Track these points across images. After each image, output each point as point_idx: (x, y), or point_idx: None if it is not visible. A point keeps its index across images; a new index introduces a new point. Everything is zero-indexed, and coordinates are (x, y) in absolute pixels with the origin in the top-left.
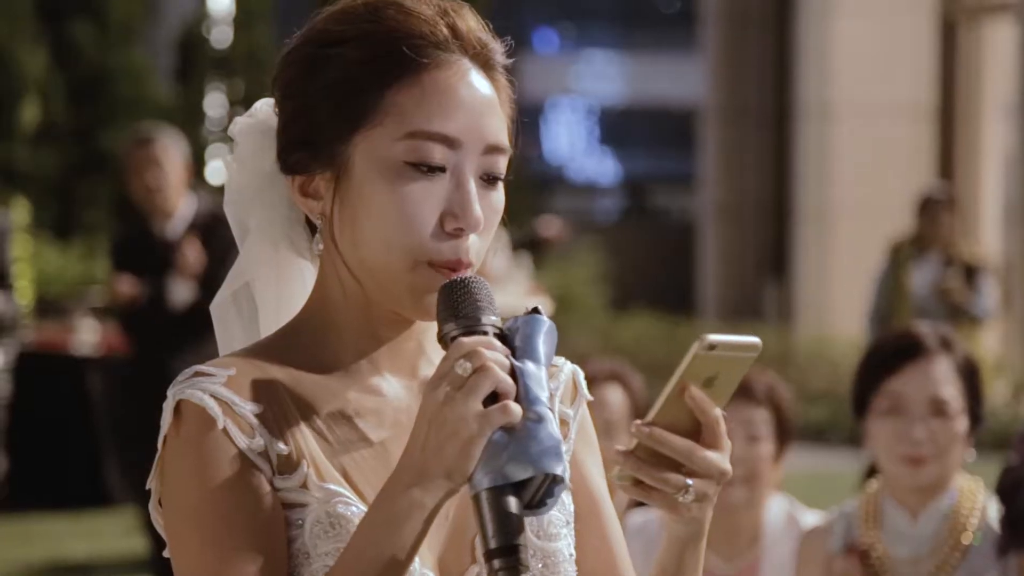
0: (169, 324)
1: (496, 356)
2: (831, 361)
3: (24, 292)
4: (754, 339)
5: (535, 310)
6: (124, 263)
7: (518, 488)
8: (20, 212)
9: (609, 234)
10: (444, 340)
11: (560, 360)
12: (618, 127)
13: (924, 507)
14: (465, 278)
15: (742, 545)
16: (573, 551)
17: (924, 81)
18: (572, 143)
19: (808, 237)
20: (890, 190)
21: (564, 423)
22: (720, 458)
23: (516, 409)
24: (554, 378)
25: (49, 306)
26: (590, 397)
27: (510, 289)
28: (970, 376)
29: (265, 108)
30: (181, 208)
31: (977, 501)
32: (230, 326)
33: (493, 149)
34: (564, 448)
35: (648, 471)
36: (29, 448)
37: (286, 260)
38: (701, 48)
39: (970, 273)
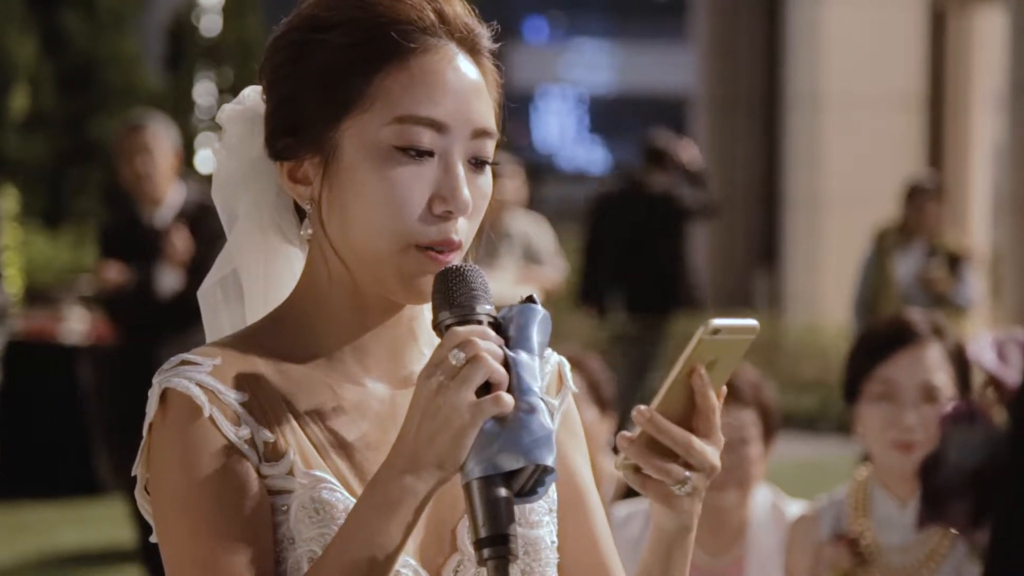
0: (156, 312)
1: (489, 346)
2: (821, 350)
3: (13, 281)
4: (752, 322)
5: (530, 299)
6: (112, 250)
7: (509, 477)
8: (9, 200)
9: None
10: (439, 328)
11: (547, 351)
12: (608, 116)
13: (913, 494)
14: (460, 266)
15: (728, 539)
16: (555, 539)
17: (914, 70)
18: (562, 132)
19: (798, 226)
20: (880, 179)
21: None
22: (713, 452)
23: (508, 400)
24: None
25: (38, 295)
26: (575, 389)
27: (499, 276)
28: (961, 363)
29: (253, 95)
30: (170, 196)
31: None
32: (217, 312)
33: (481, 133)
34: None
35: (650, 460)
36: (19, 437)
37: (274, 247)
38: (691, 37)
39: (954, 262)
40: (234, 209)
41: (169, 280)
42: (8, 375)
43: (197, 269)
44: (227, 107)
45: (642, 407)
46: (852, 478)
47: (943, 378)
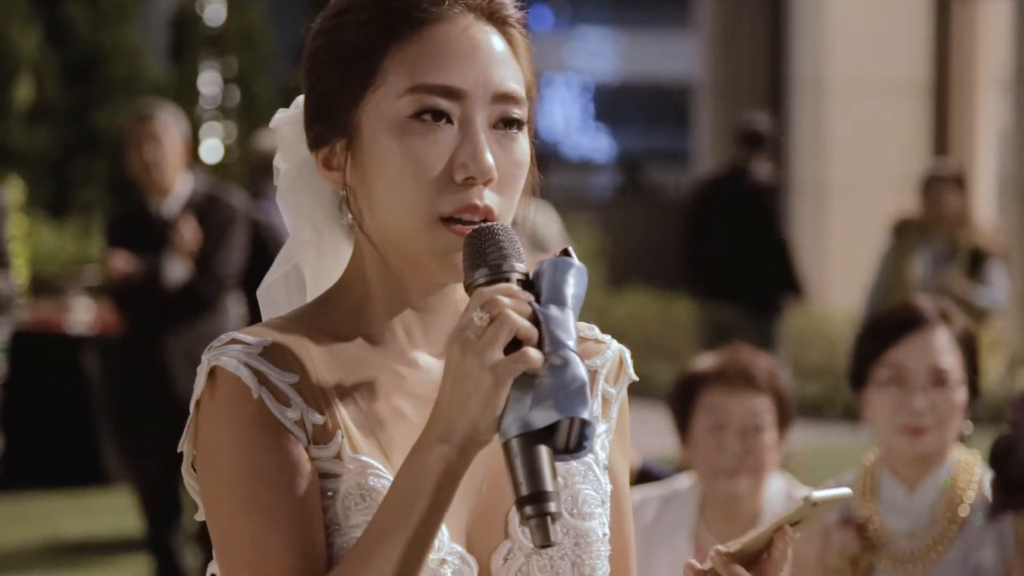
0: (163, 302)
1: (515, 303)
2: (827, 337)
3: (19, 271)
4: (847, 492)
5: (565, 252)
6: (119, 240)
7: (548, 434)
8: (14, 191)
9: (604, 211)
10: (469, 289)
11: (607, 337)
12: (613, 104)
13: (921, 480)
14: (489, 225)
15: (741, 527)
16: (607, 531)
17: (919, 57)
18: (567, 120)
19: (803, 214)
20: (885, 167)
21: (607, 402)
22: None
23: (535, 355)
24: (600, 355)
25: (44, 285)
26: (635, 377)
27: None
28: (969, 347)
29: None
30: (178, 186)
31: (974, 474)
32: (278, 311)
33: (502, 97)
34: (604, 427)
35: None
36: (24, 427)
37: (327, 241)
38: (695, 25)
39: (977, 259)
40: (294, 210)
41: (176, 270)
42: (13, 365)
43: (204, 260)
44: (281, 111)
45: (721, 548)
46: (860, 463)
47: (951, 362)
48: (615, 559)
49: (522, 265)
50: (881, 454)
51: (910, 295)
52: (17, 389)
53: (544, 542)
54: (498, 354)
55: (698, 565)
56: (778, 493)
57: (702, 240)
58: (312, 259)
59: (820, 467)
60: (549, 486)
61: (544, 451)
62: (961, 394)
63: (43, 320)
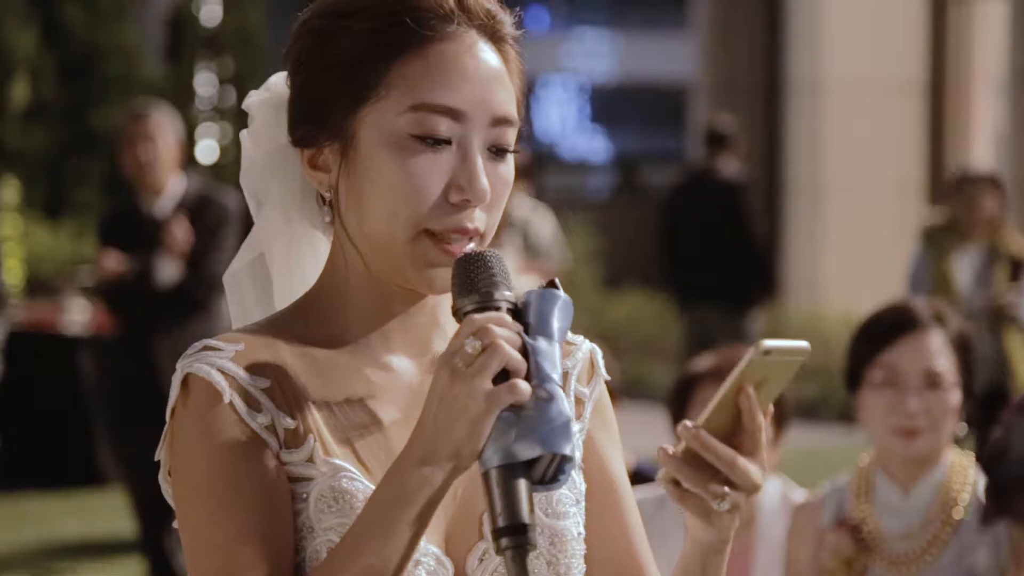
0: (154, 302)
1: (507, 333)
2: (823, 338)
3: (14, 271)
4: (803, 344)
5: (551, 284)
6: (111, 239)
7: (528, 466)
8: (10, 191)
9: (600, 212)
10: (458, 314)
11: (578, 338)
12: (609, 105)
13: (915, 481)
14: (481, 252)
15: (738, 529)
16: (582, 530)
17: (915, 57)
18: (563, 121)
19: (800, 213)
20: (882, 167)
21: (580, 402)
22: (757, 471)
23: (524, 388)
24: (571, 356)
25: (39, 285)
26: (607, 377)
27: None
28: (963, 350)
29: (279, 82)
30: (171, 186)
31: (968, 476)
32: (243, 297)
33: (500, 121)
34: (578, 427)
35: (690, 475)
36: (20, 428)
37: (300, 232)
38: (692, 25)
39: (1016, 268)
40: (260, 194)
41: (168, 271)
42: (9, 366)
43: (196, 260)
44: (254, 94)
45: (688, 423)
46: (855, 464)
47: (945, 364)
48: (619, 547)
49: (511, 294)
50: (875, 456)
51: (959, 305)
52: (13, 390)
53: (520, 574)
54: (487, 383)
55: (671, 449)
56: (774, 494)
57: (676, 241)
58: (283, 247)
59: (815, 468)
60: (527, 519)
61: (523, 484)
62: (955, 396)
63: (39, 320)
